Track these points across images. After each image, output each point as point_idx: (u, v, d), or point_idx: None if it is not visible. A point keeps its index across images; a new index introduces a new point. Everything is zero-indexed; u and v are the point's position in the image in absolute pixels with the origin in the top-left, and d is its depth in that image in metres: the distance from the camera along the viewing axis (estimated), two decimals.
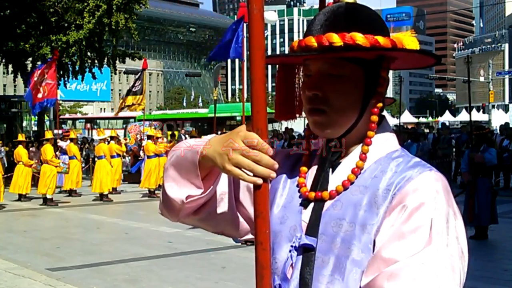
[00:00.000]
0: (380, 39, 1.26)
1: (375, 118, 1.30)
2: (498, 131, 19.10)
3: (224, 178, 1.40)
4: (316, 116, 1.30)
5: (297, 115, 1.42)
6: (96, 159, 16.64)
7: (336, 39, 1.24)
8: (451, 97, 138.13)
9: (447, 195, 1.22)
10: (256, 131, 1.17)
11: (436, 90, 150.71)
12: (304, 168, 1.38)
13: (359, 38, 1.24)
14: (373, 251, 1.21)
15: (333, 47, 1.25)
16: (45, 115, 25.33)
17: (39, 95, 17.08)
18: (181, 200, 1.35)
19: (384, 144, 1.32)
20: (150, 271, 7.78)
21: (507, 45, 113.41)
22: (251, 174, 1.19)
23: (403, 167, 1.26)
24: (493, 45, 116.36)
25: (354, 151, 1.32)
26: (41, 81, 17.01)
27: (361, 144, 1.31)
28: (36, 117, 24.26)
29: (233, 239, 7.17)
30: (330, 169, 1.33)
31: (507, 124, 20.29)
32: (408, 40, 1.31)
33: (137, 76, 20.44)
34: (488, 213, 9.41)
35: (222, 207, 1.42)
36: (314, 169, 1.36)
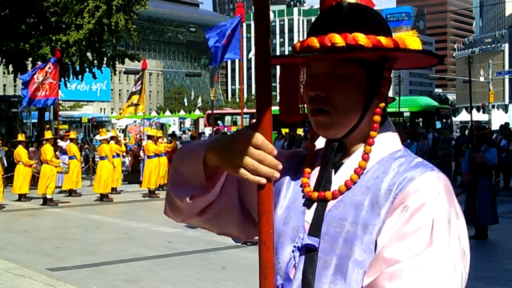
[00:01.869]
0: (383, 40, 1.26)
1: (377, 118, 1.30)
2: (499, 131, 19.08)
3: (229, 179, 1.40)
4: (319, 116, 1.30)
5: (301, 116, 1.42)
6: (98, 159, 16.64)
7: (338, 39, 1.24)
8: (451, 97, 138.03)
9: (449, 195, 1.22)
10: (261, 132, 1.18)
11: (436, 90, 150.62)
12: (307, 169, 1.37)
13: (362, 38, 1.24)
14: (375, 251, 1.21)
15: (335, 47, 1.25)
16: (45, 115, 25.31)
17: (38, 93, 17.08)
18: (185, 200, 1.35)
19: (386, 144, 1.32)
20: (150, 271, 7.78)
21: (507, 45, 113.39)
22: (255, 173, 1.19)
23: (405, 168, 1.26)
24: (493, 45, 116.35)
25: (357, 151, 1.32)
26: (42, 79, 17.02)
27: (363, 144, 1.31)
28: (36, 115, 24.30)
29: (233, 239, 7.17)
30: (333, 169, 1.33)
31: (507, 124, 20.28)
32: (411, 40, 1.31)
33: (138, 77, 20.50)
34: (489, 213, 9.42)
35: (226, 208, 1.42)
36: (317, 169, 1.36)
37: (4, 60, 22.41)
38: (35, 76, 17.16)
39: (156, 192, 16.08)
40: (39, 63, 21.73)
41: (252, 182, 1.20)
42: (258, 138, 1.17)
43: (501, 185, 16.60)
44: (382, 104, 1.31)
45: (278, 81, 1.45)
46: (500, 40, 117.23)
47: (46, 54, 20.25)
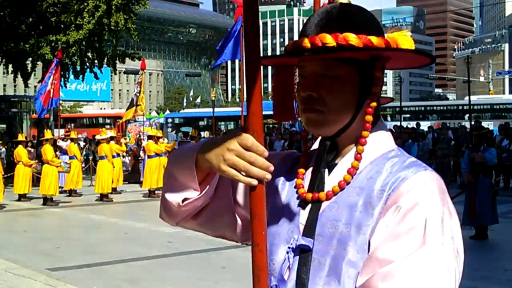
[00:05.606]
0: (373, 39, 1.26)
1: (369, 118, 1.30)
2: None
3: (222, 182, 1.39)
4: (310, 114, 1.30)
5: (296, 116, 1.42)
6: (98, 159, 16.66)
7: (329, 39, 1.25)
8: (451, 97, 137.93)
9: (442, 195, 1.22)
10: (252, 133, 1.17)
11: (436, 90, 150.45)
12: (301, 170, 1.38)
13: (352, 38, 1.24)
14: (369, 252, 1.21)
15: (326, 47, 1.25)
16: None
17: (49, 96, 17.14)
18: (177, 203, 1.35)
19: (379, 144, 1.32)
20: (150, 271, 7.79)
21: (507, 45, 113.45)
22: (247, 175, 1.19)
23: (398, 167, 1.26)
24: (493, 45, 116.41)
25: (350, 152, 1.32)
26: (51, 83, 17.06)
27: (356, 144, 1.31)
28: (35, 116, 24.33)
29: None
30: (327, 170, 1.33)
31: (507, 124, 20.26)
32: (403, 39, 1.31)
33: (139, 78, 20.54)
34: (489, 213, 9.43)
35: (221, 210, 1.42)
36: (311, 170, 1.36)
37: (4, 60, 22.41)
38: (49, 82, 17.19)
39: (156, 192, 16.07)
40: (39, 63, 21.77)
41: (243, 184, 1.19)
42: (248, 139, 1.17)
43: (501, 185, 16.60)
44: (374, 104, 1.31)
45: (272, 81, 1.45)
46: (500, 40, 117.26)
47: (46, 54, 20.24)
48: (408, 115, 37.97)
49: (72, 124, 42.09)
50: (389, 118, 35.94)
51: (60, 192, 16.18)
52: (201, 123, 37.97)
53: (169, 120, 39.20)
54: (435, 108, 42.41)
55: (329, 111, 1.29)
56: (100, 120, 43.08)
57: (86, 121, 45.13)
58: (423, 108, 41.37)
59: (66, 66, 22.17)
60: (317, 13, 1.33)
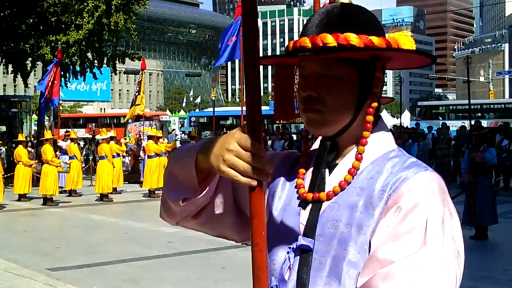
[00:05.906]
0: (374, 39, 1.26)
1: (370, 118, 1.30)
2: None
3: (223, 182, 1.39)
4: (311, 114, 1.30)
5: (297, 116, 1.42)
6: (98, 159, 16.65)
7: (330, 39, 1.25)
8: (451, 97, 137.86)
9: (443, 195, 1.22)
10: (250, 133, 1.17)
11: (436, 90, 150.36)
12: (302, 170, 1.37)
13: (353, 38, 1.24)
14: (369, 252, 1.21)
15: (327, 47, 1.25)
16: (46, 115, 25.32)
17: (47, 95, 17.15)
18: (178, 203, 1.36)
19: (380, 144, 1.32)
20: (150, 271, 7.79)
21: (507, 45, 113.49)
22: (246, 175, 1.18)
23: (399, 168, 1.25)
24: (493, 45, 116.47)
25: (351, 152, 1.32)
26: (51, 83, 17.06)
27: (357, 145, 1.31)
28: (36, 117, 24.36)
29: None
30: (328, 170, 1.33)
31: (506, 124, 20.27)
32: (404, 39, 1.31)
33: (139, 78, 20.55)
34: (489, 213, 9.44)
35: (221, 210, 1.42)
36: (311, 170, 1.36)
37: (4, 60, 22.41)
38: (48, 80, 17.20)
39: (156, 192, 16.07)
40: (39, 63, 21.77)
41: (243, 184, 1.19)
42: (247, 140, 1.16)
43: (501, 185, 16.60)
44: (375, 104, 1.31)
45: (273, 81, 1.44)
46: (500, 40, 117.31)
47: (46, 54, 20.24)
48: (460, 114, 37.73)
49: (94, 124, 41.73)
50: (440, 118, 35.49)
51: (60, 192, 16.18)
52: (227, 122, 36.85)
53: (193, 119, 38.38)
54: (491, 106, 41.98)
55: (329, 111, 1.29)
56: (122, 120, 42.45)
57: (108, 120, 44.51)
58: (478, 107, 41.09)
59: (66, 66, 22.16)
60: (317, 13, 1.33)
